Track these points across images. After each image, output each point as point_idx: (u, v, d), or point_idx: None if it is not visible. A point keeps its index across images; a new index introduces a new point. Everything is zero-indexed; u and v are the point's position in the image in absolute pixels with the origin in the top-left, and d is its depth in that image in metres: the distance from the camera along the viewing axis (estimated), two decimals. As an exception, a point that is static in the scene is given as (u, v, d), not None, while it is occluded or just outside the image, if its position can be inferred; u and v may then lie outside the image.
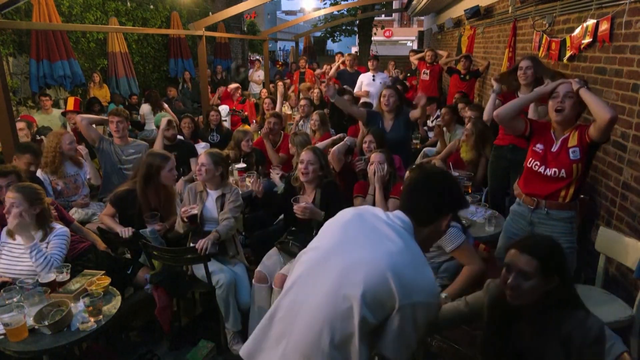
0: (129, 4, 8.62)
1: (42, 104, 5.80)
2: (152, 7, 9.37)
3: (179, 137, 4.36)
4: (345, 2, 16.15)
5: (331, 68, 7.52)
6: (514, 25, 4.82)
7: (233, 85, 7.56)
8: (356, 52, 16.98)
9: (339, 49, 19.86)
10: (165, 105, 6.46)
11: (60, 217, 2.71)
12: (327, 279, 1.22)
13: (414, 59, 7.71)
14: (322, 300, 1.20)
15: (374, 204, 2.74)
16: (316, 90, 6.48)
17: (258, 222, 3.55)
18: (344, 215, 1.39)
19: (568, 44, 3.41)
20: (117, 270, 2.63)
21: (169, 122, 4.05)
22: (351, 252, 1.25)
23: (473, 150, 3.68)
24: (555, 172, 2.25)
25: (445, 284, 2.32)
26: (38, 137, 4.56)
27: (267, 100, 5.76)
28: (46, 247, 2.36)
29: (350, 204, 2.86)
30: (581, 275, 2.92)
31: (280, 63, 13.01)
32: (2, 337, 1.88)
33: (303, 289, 1.27)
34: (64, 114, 5.71)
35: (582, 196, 2.50)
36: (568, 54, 3.40)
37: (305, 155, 2.77)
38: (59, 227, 2.44)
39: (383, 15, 27.12)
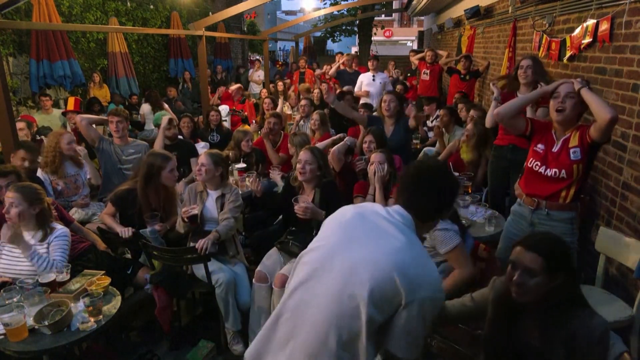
0: (129, 4, 8.62)
1: (42, 104, 5.80)
2: (152, 7, 9.37)
3: (179, 136, 4.36)
4: (345, 2, 16.15)
5: (331, 68, 7.53)
6: (514, 25, 4.82)
7: (234, 87, 7.55)
8: (356, 52, 16.98)
9: (339, 49, 19.86)
10: (166, 105, 6.46)
11: (60, 217, 2.71)
12: (332, 279, 1.22)
13: (414, 59, 7.71)
14: (328, 300, 1.20)
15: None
16: (316, 91, 6.49)
17: (258, 222, 3.56)
18: (345, 213, 1.38)
19: (568, 44, 3.41)
20: (117, 270, 2.63)
21: (170, 120, 4.04)
22: (355, 251, 1.24)
23: (474, 151, 3.67)
24: (555, 172, 2.25)
25: None
26: (38, 137, 4.56)
27: (267, 100, 5.76)
28: (47, 248, 2.36)
29: (350, 203, 2.86)
30: (581, 275, 2.92)
31: (280, 63, 13.00)
32: (2, 337, 1.88)
33: (308, 290, 1.26)
34: (64, 114, 5.72)
35: (581, 196, 2.50)
36: (568, 54, 3.40)
37: (302, 155, 2.78)
38: (59, 228, 2.44)
39: (383, 15, 27.11)
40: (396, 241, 1.23)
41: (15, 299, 2.00)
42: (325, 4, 17.19)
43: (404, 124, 3.80)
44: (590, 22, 3.05)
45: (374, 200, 2.79)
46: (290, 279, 1.37)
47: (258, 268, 2.68)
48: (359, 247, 1.25)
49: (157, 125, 4.16)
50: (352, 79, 6.92)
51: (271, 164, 4.17)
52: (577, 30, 3.25)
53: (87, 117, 3.74)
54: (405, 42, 32.61)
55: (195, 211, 2.71)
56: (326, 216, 1.50)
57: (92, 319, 1.98)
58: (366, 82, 6.62)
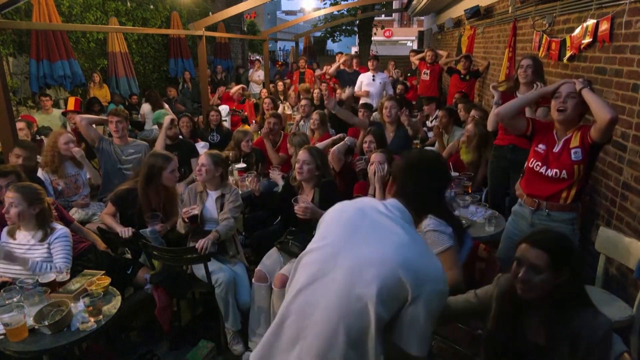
0: (129, 4, 8.62)
1: (43, 104, 5.80)
2: (152, 7, 9.37)
3: (179, 136, 4.36)
4: (345, 2, 16.15)
5: (331, 68, 7.53)
6: (514, 25, 4.82)
7: (235, 88, 7.54)
8: (356, 52, 16.98)
9: (339, 49, 19.87)
10: (166, 105, 6.46)
11: (60, 217, 2.71)
12: (337, 279, 1.21)
13: (414, 59, 7.71)
14: (335, 301, 1.19)
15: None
16: (316, 91, 6.49)
17: (258, 222, 3.56)
18: (344, 211, 1.36)
19: (568, 44, 3.41)
20: (117, 270, 2.63)
21: (172, 120, 4.05)
22: (358, 250, 1.24)
23: (474, 151, 3.66)
24: (556, 172, 2.24)
25: None
26: (38, 137, 4.56)
27: (267, 100, 5.76)
28: (47, 248, 2.36)
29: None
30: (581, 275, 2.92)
31: (279, 63, 13.00)
32: (2, 337, 1.88)
33: (313, 292, 1.24)
34: (64, 114, 5.72)
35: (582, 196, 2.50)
36: (568, 54, 3.40)
37: (300, 155, 2.80)
38: (59, 228, 2.44)
39: (383, 15, 27.11)
40: (398, 237, 1.23)
41: (15, 299, 2.00)
42: (325, 4, 17.19)
43: (404, 130, 3.81)
44: (590, 22, 3.05)
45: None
46: (291, 281, 1.35)
47: (258, 268, 2.68)
48: (362, 246, 1.24)
49: (157, 123, 4.15)
50: (352, 79, 6.92)
51: (271, 164, 4.17)
52: (577, 30, 3.25)
53: (86, 117, 3.74)
54: (405, 42, 32.61)
55: (196, 211, 2.71)
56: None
57: (92, 319, 1.98)
58: (366, 82, 6.62)
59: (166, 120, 3.96)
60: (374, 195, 2.81)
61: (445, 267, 2.18)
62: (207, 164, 2.78)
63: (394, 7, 21.60)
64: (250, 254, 3.40)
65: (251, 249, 3.43)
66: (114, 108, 4.13)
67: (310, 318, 1.21)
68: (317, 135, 4.30)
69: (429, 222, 2.28)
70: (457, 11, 8.02)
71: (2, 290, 2.07)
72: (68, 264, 2.37)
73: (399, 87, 6.84)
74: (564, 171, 2.22)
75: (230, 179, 3.52)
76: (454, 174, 3.48)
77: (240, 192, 3.14)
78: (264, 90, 7.60)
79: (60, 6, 6.84)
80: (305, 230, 2.68)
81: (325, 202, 2.67)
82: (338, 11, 16.57)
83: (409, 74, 8.48)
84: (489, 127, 3.15)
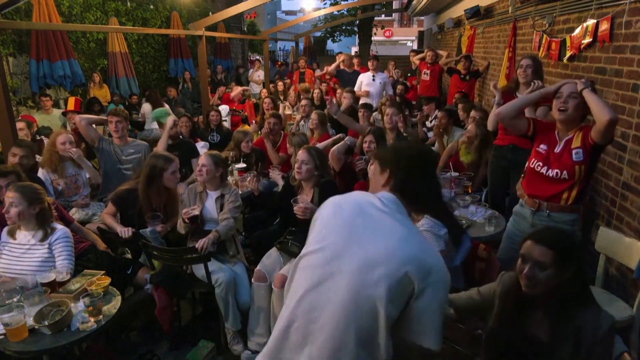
0: (129, 4, 8.62)
1: (43, 104, 5.80)
2: (152, 7, 9.37)
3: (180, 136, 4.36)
4: (345, 2, 16.15)
5: (331, 66, 7.54)
6: (514, 25, 4.82)
7: (236, 92, 7.54)
8: (356, 52, 16.99)
9: (339, 49, 19.89)
10: (166, 105, 6.46)
11: (60, 217, 2.71)
12: (343, 281, 1.20)
13: (415, 59, 7.71)
14: (342, 304, 1.18)
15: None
16: (316, 91, 6.49)
17: (258, 222, 3.56)
18: (341, 207, 1.34)
19: (568, 44, 3.41)
20: (117, 270, 2.63)
21: (175, 121, 4.07)
22: (360, 250, 1.22)
23: (475, 152, 3.65)
24: (557, 173, 2.24)
25: None
26: (38, 137, 4.56)
27: (267, 100, 5.76)
28: (47, 248, 2.36)
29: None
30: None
31: (280, 63, 13.01)
32: (2, 337, 1.88)
33: (319, 295, 1.22)
34: (64, 114, 5.72)
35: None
36: (568, 54, 3.40)
37: (299, 154, 2.80)
38: (60, 228, 2.44)
39: (383, 15, 27.11)
40: (398, 233, 1.24)
41: (15, 299, 2.00)
42: (325, 4, 17.20)
43: (405, 137, 3.81)
44: (590, 22, 3.05)
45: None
46: (290, 283, 1.33)
47: (257, 267, 2.68)
48: (363, 246, 1.23)
49: (157, 121, 4.14)
50: (352, 79, 6.92)
51: (271, 164, 4.17)
52: (577, 30, 3.25)
53: (86, 117, 3.74)
54: (405, 42, 32.61)
55: (196, 212, 2.72)
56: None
57: (92, 319, 1.98)
58: (366, 82, 6.62)
59: (169, 121, 3.96)
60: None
61: None
62: (208, 164, 2.78)
63: (394, 7, 21.60)
64: (250, 254, 3.40)
65: (251, 249, 3.43)
66: (114, 108, 4.14)
67: (318, 322, 1.20)
68: (316, 135, 4.30)
69: (424, 222, 2.29)
70: (457, 11, 8.02)
71: (2, 290, 2.07)
72: (71, 263, 2.37)
73: (399, 87, 6.85)
74: (564, 172, 2.21)
75: (230, 179, 3.52)
76: (454, 174, 3.48)
77: (240, 192, 3.14)
78: (264, 90, 7.60)
79: (60, 6, 6.84)
80: (305, 230, 2.64)
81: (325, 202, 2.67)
82: (338, 11, 16.58)
83: (409, 74, 8.49)
84: (489, 127, 3.14)
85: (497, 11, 5.68)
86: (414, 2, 10.73)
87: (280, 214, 3.23)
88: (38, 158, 3.66)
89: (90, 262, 2.62)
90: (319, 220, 1.36)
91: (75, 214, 3.39)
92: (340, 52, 9.00)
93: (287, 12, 36.84)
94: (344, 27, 19.53)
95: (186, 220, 2.70)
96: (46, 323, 1.89)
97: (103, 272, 2.32)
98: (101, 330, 2.00)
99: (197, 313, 3.12)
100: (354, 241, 1.25)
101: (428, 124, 5.60)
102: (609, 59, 2.86)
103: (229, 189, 2.89)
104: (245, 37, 14.45)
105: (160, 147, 3.81)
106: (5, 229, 2.43)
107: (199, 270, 2.65)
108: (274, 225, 3.35)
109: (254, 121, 6.28)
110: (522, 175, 2.58)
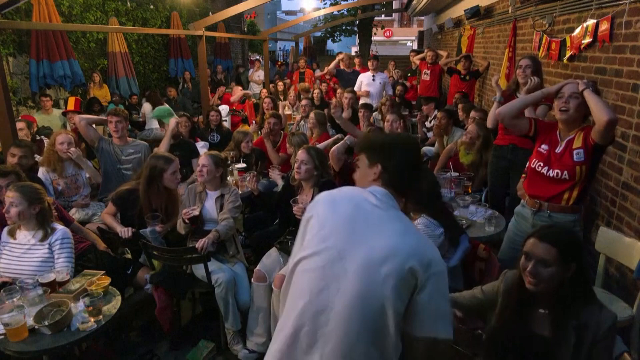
0: (129, 4, 8.62)
1: (43, 104, 5.81)
2: (152, 7, 9.37)
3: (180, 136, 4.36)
4: (345, 2, 16.16)
5: (331, 65, 7.54)
6: (514, 25, 4.82)
7: (237, 95, 7.53)
8: (356, 52, 16.99)
9: (339, 49, 19.89)
10: (166, 105, 6.46)
11: (60, 217, 2.71)
12: (349, 282, 1.20)
13: (415, 59, 7.72)
14: (352, 304, 1.18)
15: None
16: (316, 91, 6.49)
17: (258, 222, 3.56)
18: (337, 204, 1.33)
19: (568, 44, 3.41)
20: (117, 270, 2.63)
21: (177, 123, 4.08)
22: (363, 248, 1.23)
23: (477, 153, 3.64)
24: (557, 173, 2.23)
25: None
26: (38, 137, 4.56)
27: (266, 100, 5.76)
28: (48, 248, 2.36)
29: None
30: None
31: (280, 63, 13.01)
32: (2, 337, 1.88)
33: (327, 298, 1.21)
34: (64, 114, 5.72)
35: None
36: (568, 54, 3.40)
37: (299, 154, 2.81)
38: (60, 228, 2.44)
39: (383, 15, 27.11)
40: (396, 228, 1.25)
41: (15, 299, 2.00)
42: (325, 4, 17.19)
43: None
44: (590, 22, 3.05)
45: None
46: (289, 287, 1.31)
47: (257, 267, 2.68)
48: (366, 244, 1.23)
49: (158, 119, 4.13)
50: (352, 79, 6.93)
51: (271, 163, 4.17)
52: (577, 30, 3.25)
53: (86, 117, 3.74)
54: (405, 42, 32.61)
55: (196, 212, 2.72)
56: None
57: (92, 319, 1.98)
58: (366, 82, 6.62)
59: (172, 123, 3.96)
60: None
61: None
62: (208, 164, 2.79)
63: (394, 7, 21.62)
64: (250, 254, 3.41)
65: (251, 249, 3.43)
66: (113, 108, 4.13)
67: (328, 325, 1.19)
68: (315, 134, 4.30)
69: (420, 221, 2.29)
70: (457, 11, 8.02)
71: (2, 290, 2.07)
72: (71, 266, 2.37)
73: (398, 88, 6.86)
74: (565, 172, 2.21)
75: (230, 179, 3.52)
76: (454, 174, 3.48)
77: (240, 192, 3.14)
78: (264, 90, 7.60)
79: (60, 6, 6.84)
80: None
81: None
82: (338, 11, 16.58)
83: (409, 74, 8.49)
84: (489, 124, 3.13)
85: (497, 11, 5.68)
86: (414, 2, 10.73)
87: (280, 214, 3.23)
88: (38, 158, 3.66)
89: (90, 262, 2.63)
90: (315, 219, 1.33)
91: (75, 214, 3.40)
92: (340, 52, 9.01)
93: (287, 12, 36.83)
94: (344, 27, 19.52)
95: (186, 220, 2.70)
96: (46, 323, 1.89)
97: (103, 272, 2.32)
98: (101, 330, 2.00)
99: (197, 313, 3.12)
100: (355, 241, 1.25)
101: (427, 124, 5.60)
102: (609, 59, 2.86)
103: (228, 189, 2.89)
104: (245, 37, 14.45)
105: (163, 149, 3.81)
106: (6, 229, 2.43)
107: (199, 270, 2.65)
108: (274, 225, 3.35)
109: (253, 121, 6.28)
110: (524, 175, 2.58)
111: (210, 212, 2.83)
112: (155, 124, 5.88)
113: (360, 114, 4.84)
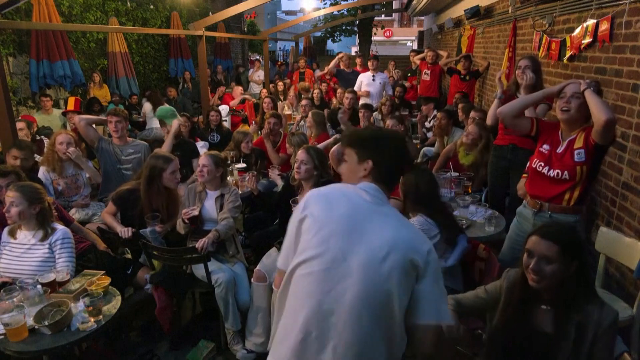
0: (129, 4, 8.62)
1: (43, 104, 5.80)
2: (152, 7, 9.37)
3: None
4: (345, 2, 16.16)
5: (330, 64, 7.54)
6: (514, 25, 4.82)
7: (237, 99, 7.52)
8: (356, 52, 16.99)
9: (339, 49, 19.89)
10: (167, 105, 6.45)
11: (60, 217, 2.71)
12: (354, 282, 1.20)
13: (416, 59, 7.71)
14: (359, 302, 1.19)
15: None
16: (316, 91, 6.49)
17: (258, 222, 3.56)
18: (334, 205, 1.31)
19: (568, 44, 3.41)
20: (117, 270, 2.63)
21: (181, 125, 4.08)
22: (363, 246, 1.23)
23: (479, 153, 3.62)
24: (558, 173, 2.23)
25: None
26: (38, 137, 4.56)
27: (266, 100, 5.76)
28: (48, 248, 2.36)
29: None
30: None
31: (280, 63, 13.01)
32: (2, 337, 1.88)
33: (334, 300, 1.21)
34: (64, 114, 5.72)
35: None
36: (568, 54, 3.40)
37: (299, 154, 2.82)
38: (60, 228, 2.44)
39: (383, 15, 27.11)
40: (392, 223, 1.28)
41: (15, 299, 2.00)
42: (325, 4, 17.20)
43: None
44: (590, 22, 3.05)
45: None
46: (287, 290, 1.29)
47: (257, 267, 2.68)
48: (366, 242, 1.24)
49: (160, 120, 4.11)
50: (351, 79, 6.93)
51: (270, 163, 4.17)
52: (577, 30, 3.25)
53: (85, 117, 3.74)
54: (405, 42, 32.62)
55: (195, 212, 2.72)
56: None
57: (92, 319, 1.98)
58: (366, 82, 6.62)
59: (175, 125, 3.95)
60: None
61: None
62: (209, 164, 2.79)
63: (394, 7, 21.61)
64: (250, 254, 3.41)
65: (251, 249, 3.43)
66: (113, 108, 4.13)
67: (337, 327, 1.20)
68: (313, 134, 4.30)
69: (417, 220, 2.29)
70: (457, 11, 8.02)
71: (2, 290, 2.07)
72: (72, 266, 2.37)
73: (397, 89, 6.87)
74: (565, 172, 2.20)
75: (230, 179, 3.52)
76: (454, 174, 3.48)
77: (240, 192, 3.14)
78: (264, 90, 7.60)
79: (60, 6, 6.84)
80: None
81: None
82: (338, 11, 16.58)
83: (409, 74, 8.49)
84: (489, 122, 3.12)
85: (497, 11, 5.68)
86: (414, 2, 10.73)
87: (280, 214, 3.23)
88: (38, 158, 3.66)
89: (90, 262, 2.62)
90: (311, 220, 1.31)
91: (75, 214, 3.39)
92: (341, 52, 9.01)
93: (287, 12, 36.83)
94: (344, 27, 19.53)
95: (185, 220, 2.70)
96: (46, 323, 1.89)
97: (103, 272, 2.32)
98: (101, 330, 2.00)
99: (197, 313, 3.12)
100: (355, 240, 1.25)
101: (427, 124, 5.60)
102: (609, 59, 2.86)
103: (228, 189, 2.89)
104: (245, 37, 14.44)
105: (165, 149, 3.80)
106: (6, 229, 2.43)
107: (198, 270, 2.65)
108: (274, 225, 3.35)
109: (253, 122, 6.28)
110: (525, 175, 2.58)
111: (210, 212, 2.83)
112: (155, 124, 5.88)
113: (360, 114, 4.84)
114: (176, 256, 2.66)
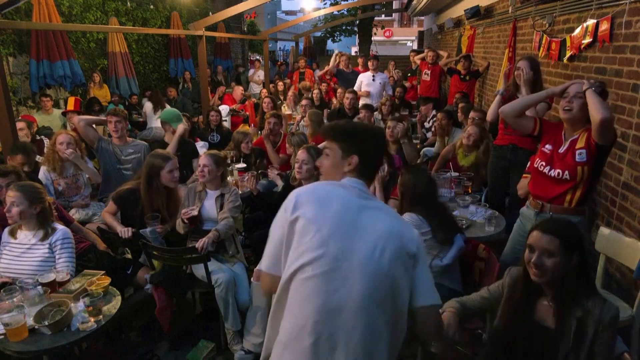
0: (129, 4, 8.61)
1: (43, 104, 5.80)
2: (152, 7, 9.36)
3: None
4: (345, 2, 16.16)
5: (330, 64, 7.54)
6: (514, 25, 4.82)
7: (237, 97, 7.52)
8: (357, 52, 16.99)
9: (339, 49, 19.84)
10: (168, 106, 6.44)
11: (60, 217, 2.71)
12: (358, 279, 1.21)
13: (416, 59, 7.71)
14: (366, 299, 1.20)
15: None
16: (316, 91, 6.49)
17: (258, 222, 3.56)
18: (327, 204, 1.29)
19: (568, 44, 3.41)
20: (117, 270, 2.63)
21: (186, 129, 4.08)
22: (362, 243, 1.24)
23: (479, 154, 3.62)
24: (559, 173, 2.23)
25: None
26: (38, 137, 4.56)
27: (266, 100, 5.76)
28: (48, 248, 2.36)
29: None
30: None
31: (280, 63, 13.00)
32: (2, 337, 1.88)
33: (340, 300, 1.20)
34: (64, 114, 5.71)
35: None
36: (568, 54, 3.40)
37: (299, 154, 2.83)
38: (60, 228, 2.44)
39: (383, 15, 27.13)
40: (381, 216, 1.30)
41: (15, 299, 2.00)
42: (325, 4, 17.20)
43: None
44: (590, 22, 3.05)
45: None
46: (291, 296, 1.26)
47: (257, 267, 2.67)
48: (362, 238, 1.25)
49: (164, 122, 4.10)
50: (351, 79, 6.93)
51: (270, 163, 4.17)
52: (577, 30, 3.25)
53: (85, 117, 3.74)
54: (405, 42, 32.63)
55: (195, 212, 2.72)
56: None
57: (92, 319, 1.98)
58: (366, 82, 6.62)
59: (180, 129, 3.93)
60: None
61: None
62: (209, 164, 2.79)
63: (394, 7, 21.62)
64: (250, 254, 3.41)
65: (251, 249, 3.43)
66: (113, 108, 4.13)
67: (346, 326, 1.20)
68: (310, 134, 4.31)
69: (408, 216, 2.29)
70: (457, 11, 8.02)
71: (2, 290, 2.07)
72: (72, 266, 2.37)
73: (397, 90, 6.86)
74: (566, 172, 2.20)
75: (230, 179, 3.52)
76: (454, 174, 3.48)
77: (240, 192, 3.14)
78: (264, 90, 7.60)
79: (60, 6, 6.84)
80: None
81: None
82: (338, 11, 16.59)
83: (409, 74, 8.49)
84: (488, 118, 3.11)
85: (497, 11, 5.68)
86: (414, 2, 10.73)
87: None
88: (38, 158, 3.66)
89: (90, 262, 2.62)
90: (304, 221, 1.27)
91: (75, 214, 3.39)
92: (336, 50, 9.00)
93: (287, 12, 36.84)
94: (344, 27, 19.54)
95: (185, 220, 2.70)
96: (46, 323, 1.89)
97: (103, 272, 2.32)
98: (101, 330, 2.00)
99: (197, 313, 3.12)
100: (352, 237, 1.25)
101: (426, 124, 5.60)
102: (609, 59, 2.86)
103: (229, 188, 2.89)
104: (245, 37, 14.44)
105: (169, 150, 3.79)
106: (7, 229, 2.43)
107: (198, 270, 2.65)
108: (274, 225, 3.35)
109: (252, 124, 6.27)
110: (525, 175, 2.57)
111: (210, 212, 2.83)
112: (155, 124, 5.87)
113: (361, 115, 4.84)
114: (176, 256, 2.66)
